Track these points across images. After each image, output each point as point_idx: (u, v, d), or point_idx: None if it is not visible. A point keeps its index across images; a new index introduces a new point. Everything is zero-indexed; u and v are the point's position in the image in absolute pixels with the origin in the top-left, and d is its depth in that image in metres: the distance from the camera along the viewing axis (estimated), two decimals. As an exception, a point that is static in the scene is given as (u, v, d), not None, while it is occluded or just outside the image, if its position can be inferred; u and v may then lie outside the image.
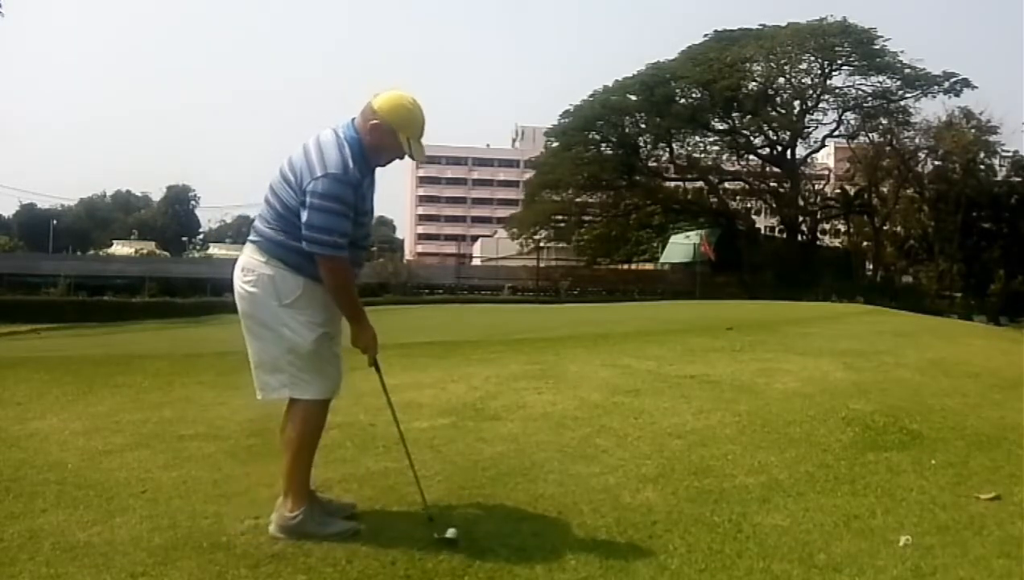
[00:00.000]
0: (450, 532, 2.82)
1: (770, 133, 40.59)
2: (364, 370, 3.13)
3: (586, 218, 43.83)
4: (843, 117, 40.09)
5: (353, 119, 2.92)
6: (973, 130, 37.17)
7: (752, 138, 41.16)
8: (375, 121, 2.85)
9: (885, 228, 40.71)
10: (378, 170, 3.05)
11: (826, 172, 48.03)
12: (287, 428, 2.96)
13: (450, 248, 73.04)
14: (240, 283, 2.95)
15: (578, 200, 43.11)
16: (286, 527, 2.85)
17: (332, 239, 2.79)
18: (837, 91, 39.51)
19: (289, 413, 2.96)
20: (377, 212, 3.27)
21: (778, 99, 40.26)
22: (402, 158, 2.98)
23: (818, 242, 42.01)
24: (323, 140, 2.87)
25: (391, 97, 2.89)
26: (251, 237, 2.99)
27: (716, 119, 41.10)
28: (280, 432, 3.03)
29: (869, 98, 39.23)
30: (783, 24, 38.91)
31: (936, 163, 38.99)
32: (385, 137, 2.86)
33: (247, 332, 2.98)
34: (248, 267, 2.94)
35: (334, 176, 2.77)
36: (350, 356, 3.08)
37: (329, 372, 2.96)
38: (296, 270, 2.87)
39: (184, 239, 63.70)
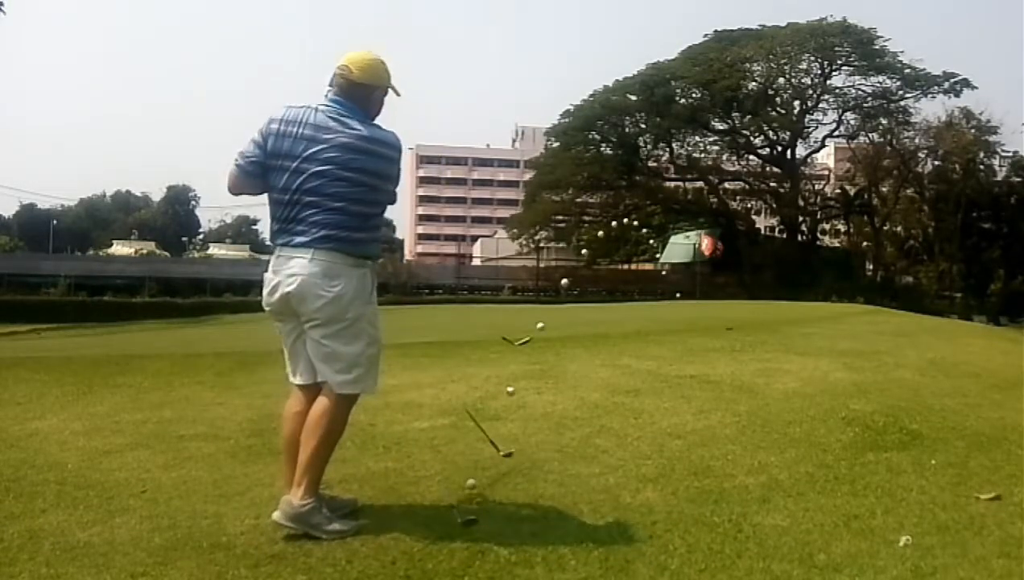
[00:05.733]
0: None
1: (770, 133, 40.57)
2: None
3: (586, 218, 43.80)
4: (843, 117, 40.10)
5: (336, 99, 3.00)
6: (973, 130, 37.16)
7: (752, 138, 41.13)
8: (378, 91, 3.05)
9: (885, 228, 40.70)
10: None
11: (826, 172, 47.95)
12: (318, 418, 2.93)
13: (450, 248, 73.03)
14: (322, 289, 2.88)
15: (578, 200, 43.08)
16: (294, 515, 2.84)
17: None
18: (837, 91, 39.51)
19: (324, 404, 2.95)
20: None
21: (778, 99, 40.23)
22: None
23: (818, 242, 41.97)
24: (377, 134, 2.97)
25: (365, 64, 3.02)
26: (318, 239, 2.90)
27: (716, 119, 41.05)
28: (303, 426, 2.98)
29: (869, 98, 39.20)
30: (783, 24, 38.89)
31: (936, 163, 38.98)
32: (383, 98, 3.09)
33: (329, 336, 2.93)
34: (331, 273, 2.89)
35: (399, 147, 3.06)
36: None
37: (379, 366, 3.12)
38: (371, 265, 3.04)
39: (184, 239, 63.63)
